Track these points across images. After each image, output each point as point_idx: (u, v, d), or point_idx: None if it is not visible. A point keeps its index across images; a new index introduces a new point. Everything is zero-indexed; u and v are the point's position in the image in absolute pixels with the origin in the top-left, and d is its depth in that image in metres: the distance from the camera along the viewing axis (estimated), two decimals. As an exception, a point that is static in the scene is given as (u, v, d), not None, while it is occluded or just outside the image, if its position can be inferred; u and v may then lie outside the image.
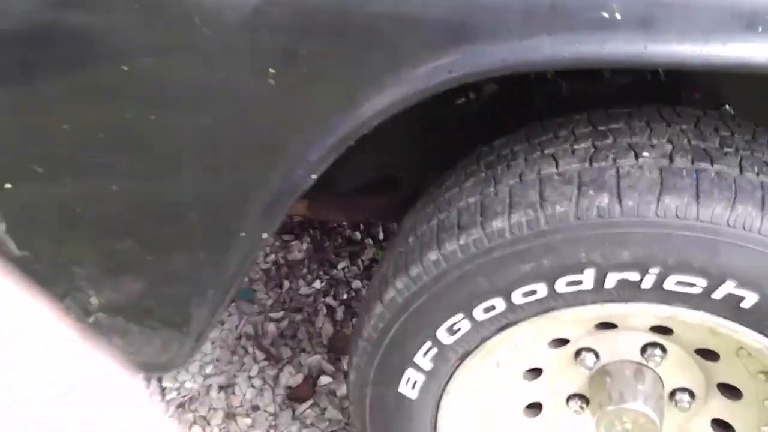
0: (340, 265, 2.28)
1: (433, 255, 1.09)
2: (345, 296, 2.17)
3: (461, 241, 1.06)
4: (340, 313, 2.11)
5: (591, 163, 1.03)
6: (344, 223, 2.39)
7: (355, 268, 2.28)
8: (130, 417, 0.27)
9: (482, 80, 1.36)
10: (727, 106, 1.43)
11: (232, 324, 2.13)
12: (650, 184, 0.97)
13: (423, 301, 1.11)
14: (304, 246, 2.36)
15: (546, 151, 1.08)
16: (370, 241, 2.35)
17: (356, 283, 2.21)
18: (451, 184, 1.18)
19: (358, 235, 2.37)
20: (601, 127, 1.09)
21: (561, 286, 1.03)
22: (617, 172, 1.00)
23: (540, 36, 0.87)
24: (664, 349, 1.19)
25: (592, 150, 1.05)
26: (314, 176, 1.07)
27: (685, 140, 1.04)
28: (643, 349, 1.20)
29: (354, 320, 2.05)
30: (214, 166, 1.13)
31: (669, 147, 1.02)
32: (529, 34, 0.87)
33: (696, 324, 1.03)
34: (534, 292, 1.05)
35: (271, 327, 2.11)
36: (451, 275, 1.08)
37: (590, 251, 0.99)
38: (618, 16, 0.84)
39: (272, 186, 1.08)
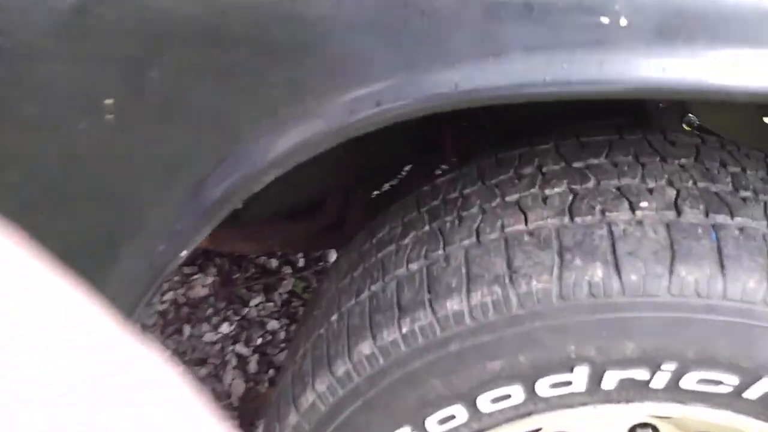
0: (253, 302, 1.95)
1: (365, 347, 0.79)
2: (259, 341, 1.85)
3: (404, 329, 0.76)
4: (253, 364, 1.78)
5: (572, 218, 0.75)
6: (256, 251, 2.06)
7: (270, 304, 1.95)
8: (130, 417, 0.27)
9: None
10: (690, 115, 1.21)
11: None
12: (657, 249, 0.71)
13: (354, 409, 0.81)
14: (209, 280, 2.01)
15: (508, 198, 0.80)
16: (288, 269, 2.03)
17: (272, 324, 1.88)
18: (385, 239, 0.88)
19: (273, 263, 2.05)
20: (577, 164, 0.82)
21: (543, 388, 0.76)
22: (610, 231, 0.73)
23: (510, 53, 0.57)
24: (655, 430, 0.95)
25: (570, 197, 0.77)
26: (185, 252, 0.75)
27: (690, 182, 0.78)
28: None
29: (270, 373, 1.73)
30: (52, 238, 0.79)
31: (672, 192, 0.76)
32: (494, 50, 0.58)
33: (718, 424, 0.78)
34: (507, 396, 0.77)
35: (172, 385, 1.76)
36: (392, 375, 0.79)
37: (582, 343, 0.72)
38: (624, 22, 0.56)
39: (123, 268, 0.74)
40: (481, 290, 0.73)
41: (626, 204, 0.75)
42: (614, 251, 0.72)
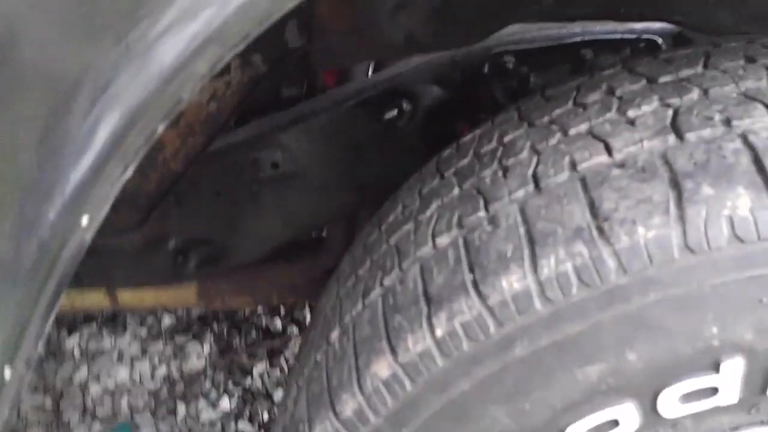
0: (257, 370, 1.66)
1: (382, 367, 0.52)
2: (265, 415, 1.54)
3: (438, 330, 0.50)
4: (260, 443, 1.47)
5: (680, 135, 0.49)
6: (258, 310, 1.78)
7: (276, 371, 1.65)
8: None
9: (417, 85, 0.85)
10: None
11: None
12: None
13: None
14: (206, 349, 1.72)
15: (572, 131, 0.56)
16: (294, 329, 1.75)
17: (280, 394, 1.58)
18: (399, 219, 0.63)
19: (278, 323, 1.77)
20: (665, 78, 0.57)
21: (671, 404, 0.48)
22: (747, 142, 0.47)
23: None
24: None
25: (670, 112, 0.52)
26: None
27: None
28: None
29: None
30: None
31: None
32: None
33: None
34: (613, 424, 0.49)
35: (163, 478, 1.46)
36: (427, 407, 0.51)
37: (730, 323, 0.45)
38: None
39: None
40: (555, 254, 0.46)
41: (762, 107, 0.49)
42: (762, 168, 0.45)
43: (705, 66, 0.58)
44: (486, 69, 0.86)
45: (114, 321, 1.78)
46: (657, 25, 0.84)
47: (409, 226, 0.59)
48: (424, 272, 0.53)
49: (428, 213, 0.58)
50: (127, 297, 1.19)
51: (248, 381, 1.64)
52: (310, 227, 1.03)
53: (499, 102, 0.91)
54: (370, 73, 1.04)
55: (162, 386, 1.67)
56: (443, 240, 0.54)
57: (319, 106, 0.88)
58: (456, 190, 0.58)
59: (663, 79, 0.57)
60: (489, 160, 0.58)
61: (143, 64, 0.40)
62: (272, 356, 1.69)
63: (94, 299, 1.19)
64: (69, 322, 1.76)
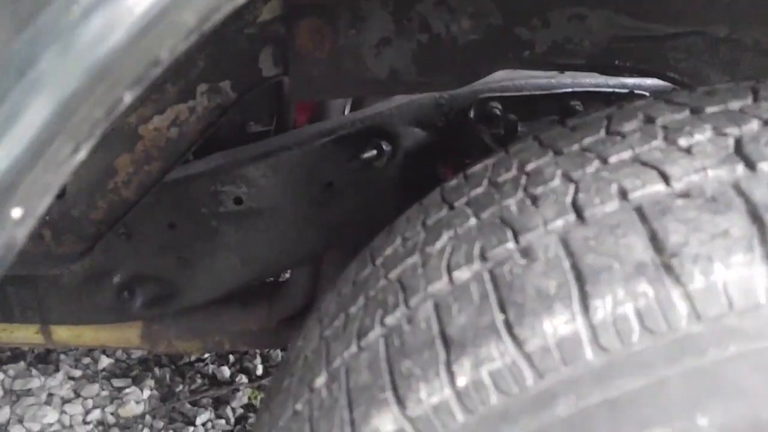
0: (200, 419, 1.55)
1: (385, 421, 0.45)
2: (206, 471, 1.43)
3: (459, 379, 0.44)
4: (197, 502, 1.35)
5: (751, 165, 0.45)
6: (205, 356, 1.68)
7: (222, 421, 1.55)
8: None
9: (398, 126, 0.81)
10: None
11: None
12: None
13: None
14: (146, 394, 1.61)
15: (613, 159, 0.51)
16: (243, 378, 1.65)
17: (223, 447, 1.47)
18: (399, 253, 0.57)
19: (226, 371, 1.66)
20: (712, 108, 0.53)
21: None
22: None
23: None
24: None
25: (732, 140, 0.48)
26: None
27: None
28: None
29: None
30: None
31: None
32: None
33: None
34: None
35: None
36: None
37: None
38: None
39: None
40: (612, 293, 0.40)
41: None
42: None
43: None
44: (472, 114, 0.82)
45: (45, 359, 1.65)
46: (648, 81, 0.83)
47: (415, 259, 0.52)
48: (440, 310, 0.46)
49: (439, 245, 0.52)
50: (63, 334, 1.09)
51: (190, 430, 1.52)
52: (272, 270, 0.95)
53: (485, 146, 0.86)
54: (346, 112, 0.99)
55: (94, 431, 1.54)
56: (462, 274, 0.47)
57: (290, 141, 0.82)
58: (472, 221, 0.52)
59: (710, 109, 0.52)
60: (511, 189, 0.52)
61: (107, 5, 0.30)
62: (218, 406, 1.58)
63: (25, 335, 1.08)
64: (-5, 358, 1.63)
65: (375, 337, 0.48)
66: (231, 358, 1.70)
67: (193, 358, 1.69)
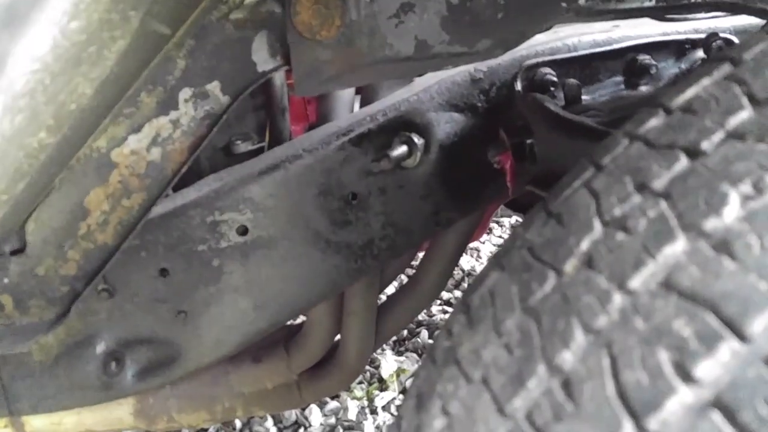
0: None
1: None
2: None
3: None
4: None
5: None
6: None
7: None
8: None
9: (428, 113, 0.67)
10: None
11: None
12: None
13: None
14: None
15: None
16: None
17: None
18: None
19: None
20: None
21: None
22: None
23: None
24: None
25: None
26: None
27: None
28: None
29: None
30: None
31: None
32: None
33: None
34: None
35: None
36: None
37: None
38: None
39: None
40: None
41: None
42: None
43: None
44: (519, 86, 0.68)
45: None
46: (729, 21, 0.70)
47: None
48: None
49: None
50: (39, 424, 0.91)
51: None
52: (291, 312, 0.78)
53: (547, 120, 0.71)
54: (355, 110, 0.85)
55: None
56: None
57: (299, 148, 0.68)
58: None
59: None
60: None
61: None
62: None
63: (-8, 429, 0.91)
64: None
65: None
66: (237, 423, 1.51)
67: None
